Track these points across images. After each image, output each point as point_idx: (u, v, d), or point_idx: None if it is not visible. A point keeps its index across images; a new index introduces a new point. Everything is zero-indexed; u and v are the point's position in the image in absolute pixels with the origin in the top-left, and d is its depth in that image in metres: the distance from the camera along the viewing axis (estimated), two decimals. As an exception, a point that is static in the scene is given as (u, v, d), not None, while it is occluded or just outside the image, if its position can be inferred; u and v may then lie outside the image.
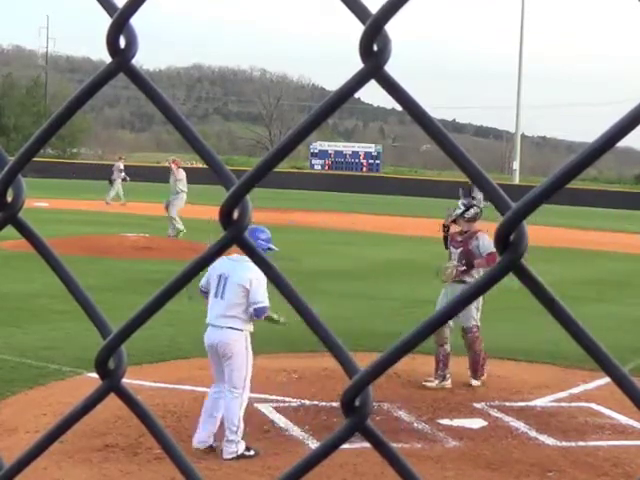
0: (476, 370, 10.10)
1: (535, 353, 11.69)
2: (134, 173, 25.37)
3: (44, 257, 0.92)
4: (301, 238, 26.26)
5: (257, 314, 7.59)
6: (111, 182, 36.34)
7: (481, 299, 9.73)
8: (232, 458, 7.45)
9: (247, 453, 7.54)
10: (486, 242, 10.09)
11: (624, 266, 22.89)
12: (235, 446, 7.49)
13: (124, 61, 0.83)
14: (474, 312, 10.06)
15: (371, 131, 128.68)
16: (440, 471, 7.40)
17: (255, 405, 9.05)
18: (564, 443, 8.31)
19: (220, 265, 7.47)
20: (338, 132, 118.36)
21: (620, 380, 0.70)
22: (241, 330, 7.53)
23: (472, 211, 10.32)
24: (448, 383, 10.00)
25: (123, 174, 36.55)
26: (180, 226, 24.64)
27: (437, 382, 9.98)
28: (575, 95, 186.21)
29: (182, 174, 25.15)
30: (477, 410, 9.20)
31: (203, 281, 7.81)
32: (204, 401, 7.82)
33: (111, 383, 0.88)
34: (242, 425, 7.59)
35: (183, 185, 24.97)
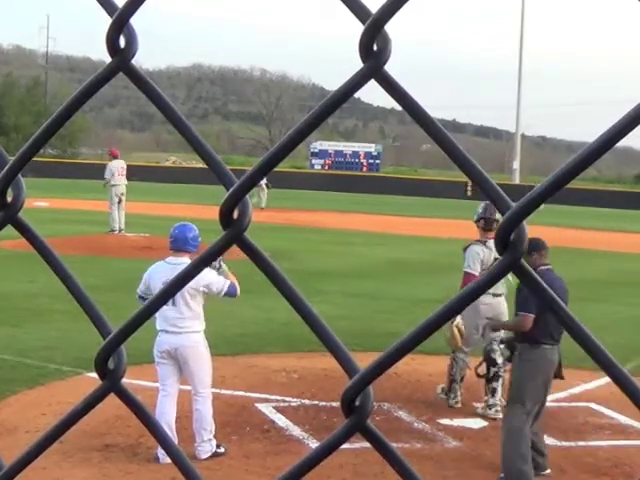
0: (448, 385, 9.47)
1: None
2: (134, 173, 25.50)
3: (44, 257, 0.92)
4: (301, 238, 26.27)
5: (231, 294, 7.62)
6: (267, 187, 38.29)
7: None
8: (208, 457, 7.51)
9: (219, 450, 7.63)
10: (467, 255, 9.18)
11: (624, 266, 22.89)
12: (210, 445, 7.58)
13: (124, 61, 0.83)
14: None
15: (371, 131, 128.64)
16: (440, 471, 7.41)
17: (255, 405, 9.06)
18: (564, 443, 8.31)
19: (161, 271, 7.45)
20: (338, 132, 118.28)
21: (620, 380, 0.70)
22: (199, 331, 7.60)
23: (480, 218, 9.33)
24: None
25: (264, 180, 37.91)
26: (114, 224, 23.94)
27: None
28: (575, 95, 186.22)
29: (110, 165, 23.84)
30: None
31: (142, 287, 7.72)
32: (159, 411, 7.47)
33: (111, 383, 0.88)
34: (213, 423, 7.64)
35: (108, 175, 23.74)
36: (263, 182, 38.89)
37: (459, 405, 9.33)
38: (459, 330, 9.06)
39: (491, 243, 9.04)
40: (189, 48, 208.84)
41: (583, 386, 10.18)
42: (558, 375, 7.43)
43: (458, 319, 9.00)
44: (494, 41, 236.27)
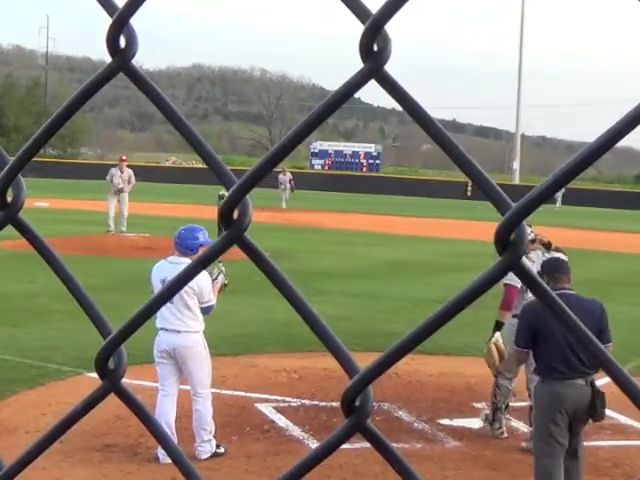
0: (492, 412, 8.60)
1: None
2: (134, 173, 25.67)
3: (44, 257, 0.92)
4: (301, 238, 26.27)
5: (206, 312, 7.65)
6: (292, 189, 41.22)
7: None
8: (208, 457, 7.51)
9: (219, 451, 7.63)
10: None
11: (624, 266, 22.88)
12: (210, 445, 7.58)
13: (124, 61, 0.83)
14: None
15: (371, 131, 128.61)
16: (440, 471, 7.40)
17: (255, 405, 9.06)
18: (564, 443, 8.29)
19: (161, 269, 7.47)
20: (338, 132, 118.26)
21: (620, 380, 0.70)
22: (198, 332, 7.58)
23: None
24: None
25: (286, 182, 41.17)
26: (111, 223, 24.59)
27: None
28: (575, 95, 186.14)
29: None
30: (477, 410, 9.19)
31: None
32: (159, 411, 7.45)
33: (111, 383, 0.88)
34: (213, 424, 7.64)
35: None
36: (289, 181, 41.15)
37: (505, 435, 8.43)
38: (498, 348, 7.90)
39: (532, 255, 8.35)
40: (189, 48, 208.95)
41: (583, 386, 10.17)
42: (591, 416, 6.46)
43: (497, 336, 7.95)
44: (494, 41, 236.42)
